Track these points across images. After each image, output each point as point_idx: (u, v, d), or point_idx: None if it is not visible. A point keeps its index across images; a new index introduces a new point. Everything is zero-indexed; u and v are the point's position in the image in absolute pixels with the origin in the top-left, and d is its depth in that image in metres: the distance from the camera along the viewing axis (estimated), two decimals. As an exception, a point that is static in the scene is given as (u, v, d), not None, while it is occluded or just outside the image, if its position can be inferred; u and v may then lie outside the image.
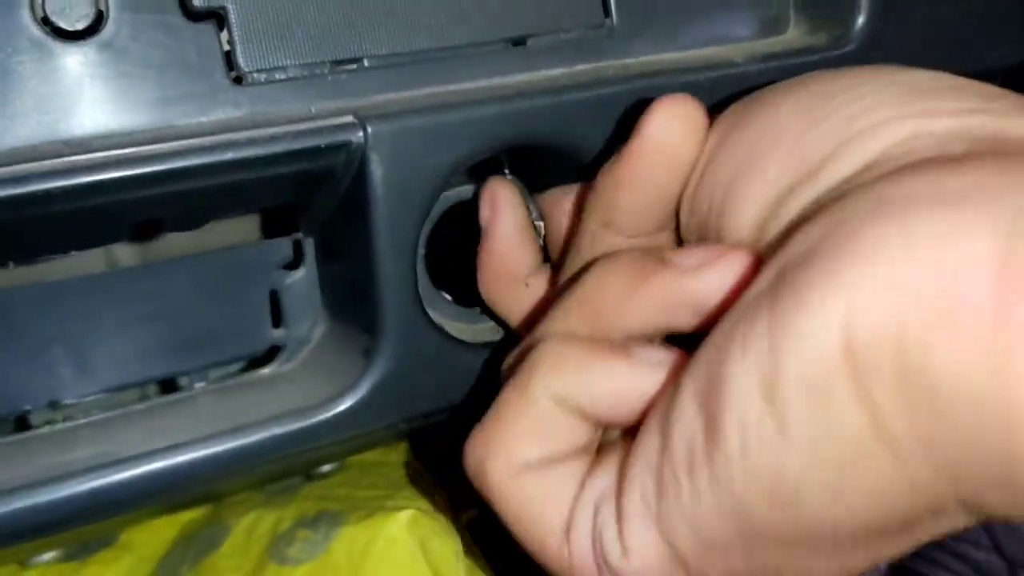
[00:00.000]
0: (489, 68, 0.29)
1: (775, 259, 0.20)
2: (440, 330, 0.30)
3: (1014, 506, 0.18)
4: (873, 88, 0.22)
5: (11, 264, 0.27)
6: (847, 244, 0.18)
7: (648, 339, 0.24)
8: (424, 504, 0.35)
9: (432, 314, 0.31)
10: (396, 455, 0.40)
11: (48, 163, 0.23)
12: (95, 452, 0.28)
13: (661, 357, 0.22)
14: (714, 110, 0.31)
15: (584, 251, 0.27)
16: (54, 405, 0.29)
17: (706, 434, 0.19)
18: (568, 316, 0.24)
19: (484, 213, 0.30)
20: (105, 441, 0.28)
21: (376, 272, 0.28)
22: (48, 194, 0.23)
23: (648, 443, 0.21)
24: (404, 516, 0.33)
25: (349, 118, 0.26)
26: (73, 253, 0.30)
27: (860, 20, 0.34)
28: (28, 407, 0.29)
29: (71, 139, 0.24)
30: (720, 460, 0.19)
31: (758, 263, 0.22)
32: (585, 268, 0.25)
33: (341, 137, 0.26)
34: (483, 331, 0.32)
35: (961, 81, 0.22)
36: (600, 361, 0.22)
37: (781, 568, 0.20)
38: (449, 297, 0.33)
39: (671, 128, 0.25)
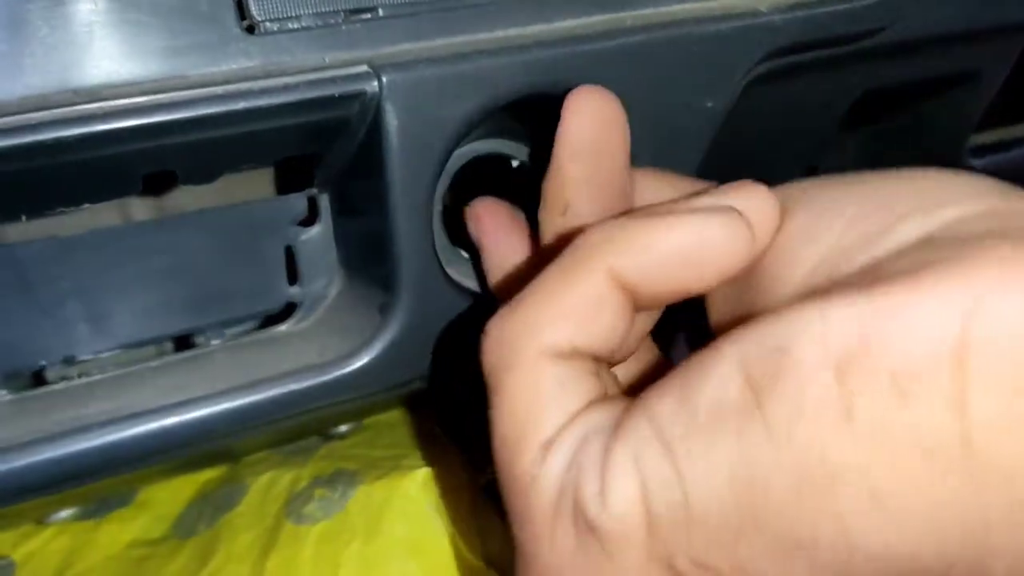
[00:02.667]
0: (506, 18, 0.28)
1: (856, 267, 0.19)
2: (457, 286, 0.30)
3: None
4: (921, 177, 0.21)
5: (23, 217, 0.27)
6: (986, 249, 0.17)
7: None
8: (441, 463, 0.35)
9: (449, 271, 0.30)
10: (413, 417, 0.40)
11: (58, 111, 0.23)
12: (110, 407, 0.27)
13: (721, 203, 0.21)
14: (739, 61, 0.31)
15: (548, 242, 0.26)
16: (69, 361, 0.29)
17: (745, 402, 0.18)
18: None
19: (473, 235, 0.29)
20: (120, 396, 0.28)
21: (392, 226, 0.28)
22: (59, 143, 0.23)
23: (661, 397, 0.19)
24: (420, 475, 0.33)
25: (363, 67, 0.26)
26: (88, 208, 0.30)
27: (888, -31, 0.33)
28: (44, 362, 0.29)
29: (81, 88, 0.24)
30: (756, 429, 0.17)
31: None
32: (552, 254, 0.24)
33: (355, 87, 0.25)
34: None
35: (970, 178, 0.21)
36: (659, 219, 0.21)
37: None
38: (467, 255, 0.32)
39: (595, 107, 0.25)
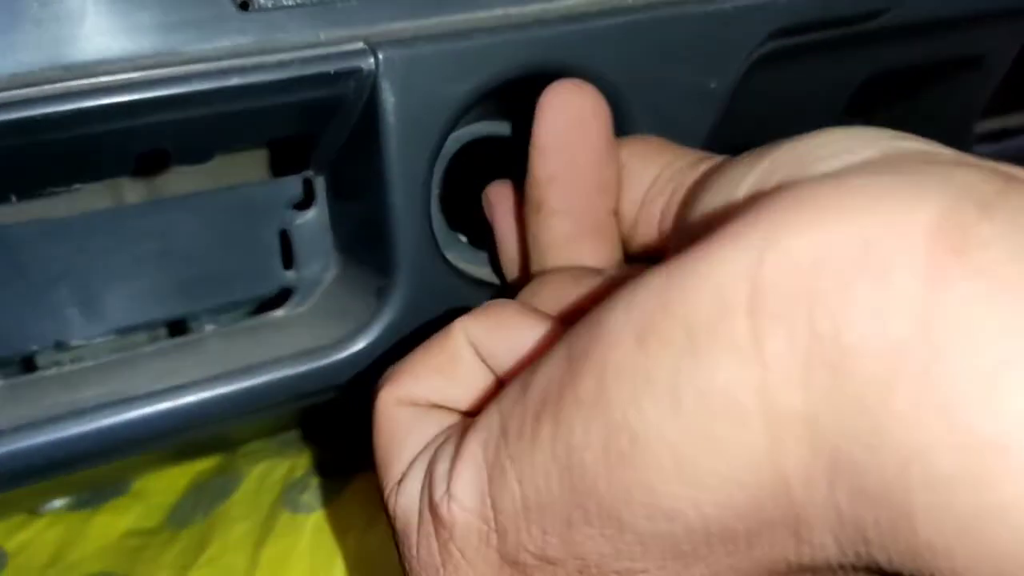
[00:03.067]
0: (505, -4, 0.28)
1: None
2: (455, 269, 0.30)
3: (902, 549, 0.15)
4: (807, 139, 0.20)
5: (14, 198, 0.27)
6: (776, 194, 0.16)
7: None
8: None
9: (448, 255, 0.30)
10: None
11: (50, 87, 0.23)
12: (104, 391, 0.27)
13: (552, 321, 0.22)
14: (743, 41, 0.30)
15: (532, 241, 0.27)
16: (61, 346, 0.29)
17: (563, 378, 0.18)
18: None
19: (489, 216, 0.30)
20: (114, 381, 0.28)
21: (389, 207, 0.27)
22: (50, 119, 0.22)
23: (508, 391, 0.20)
24: (419, 462, 0.33)
25: (359, 44, 0.25)
26: (81, 191, 0.30)
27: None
28: (35, 347, 0.28)
29: (73, 65, 0.23)
30: (569, 404, 0.17)
31: None
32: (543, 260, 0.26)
33: (351, 63, 0.25)
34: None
35: None
36: (517, 313, 0.22)
37: (601, 567, 0.18)
38: (464, 239, 0.32)
39: (569, 98, 0.25)
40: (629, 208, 0.26)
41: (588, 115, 0.25)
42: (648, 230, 0.26)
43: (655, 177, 0.25)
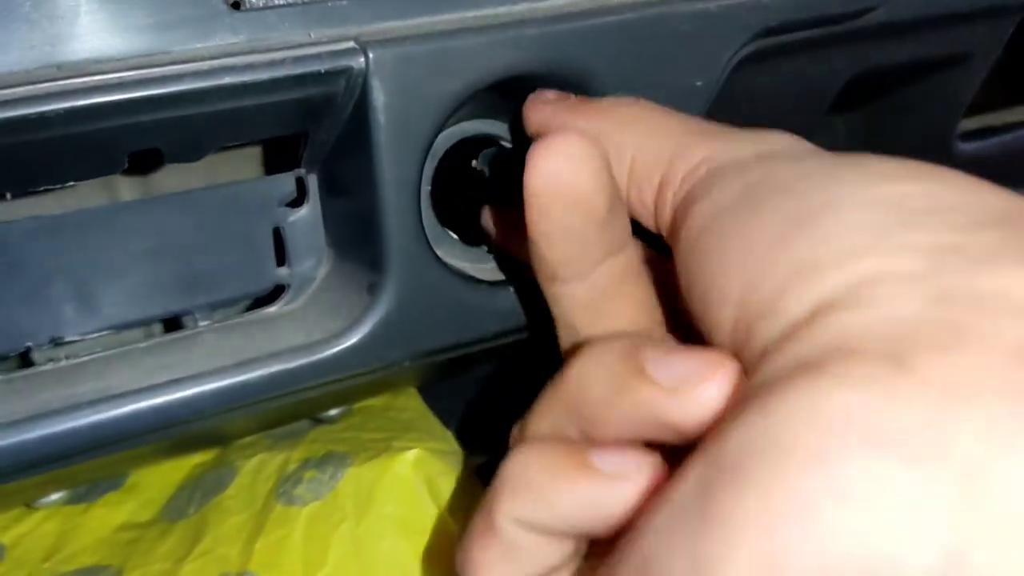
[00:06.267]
0: (494, -3, 0.28)
1: (706, 453, 0.17)
2: (446, 266, 0.30)
3: None
4: (850, 207, 0.19)
5: (8, 195, 0.27)
6: (771, 482, 0.15)
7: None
8: (432, 445, 0.35)
9: (438, 251, 0.30)
10: (403, 400, 0.40)
11: (42, 86, 0.23)
12: (100, 386, 0.27)
13: (630, 468, 0.20)
14: (729, 39, 0.31)
15: (555, 309, 0.26)
16: (56, 342, 0.29)
17: None
18: (553, 413, 0.23)
19: None
20: (109, 376, 0.28)
21: (380, 205, 0.28)
22: (42, 118, 0.23)
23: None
24: (411, 455, 0.33)
25: (350, 43, 0.26)
26: (76, 188, 0.30)
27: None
28: (30, 343, 0.29)
29: (65, 64, 0.24)
30: None
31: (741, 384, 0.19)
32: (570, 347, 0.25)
33: (342, 62, 0.25)
34: (489, 269, 0.32)
35: (953, 198, 0.19)
36: (561, 480, 0.21)
37: None
38: (455, 236, 0.32)
39: (559, 171, 0.23)
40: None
41: (581, 169, 0.23)
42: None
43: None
